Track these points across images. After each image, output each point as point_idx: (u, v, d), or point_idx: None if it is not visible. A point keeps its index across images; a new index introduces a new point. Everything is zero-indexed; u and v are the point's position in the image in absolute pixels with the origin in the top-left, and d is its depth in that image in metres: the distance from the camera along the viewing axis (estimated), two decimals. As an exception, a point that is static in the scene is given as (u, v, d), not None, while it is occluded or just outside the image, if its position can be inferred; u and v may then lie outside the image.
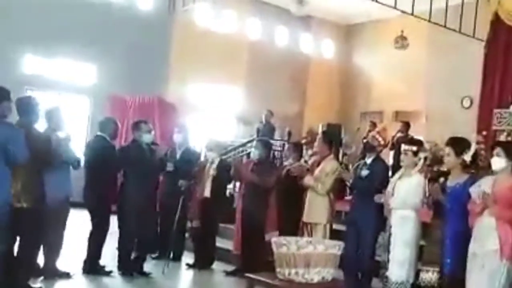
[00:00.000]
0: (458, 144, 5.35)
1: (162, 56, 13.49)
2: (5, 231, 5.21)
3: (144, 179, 6.84)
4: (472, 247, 4.89)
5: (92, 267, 6.87)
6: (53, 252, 6.47)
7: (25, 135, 5.33)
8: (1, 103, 5.22)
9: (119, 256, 6.96)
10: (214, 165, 7.79)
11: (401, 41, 13.88)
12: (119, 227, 6.95)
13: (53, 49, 12.20)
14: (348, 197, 8.05)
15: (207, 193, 7.70)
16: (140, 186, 6.77)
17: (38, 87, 12.15)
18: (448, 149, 5.34)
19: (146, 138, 7.03)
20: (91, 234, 6.92)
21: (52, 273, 6.45)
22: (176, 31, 14.00)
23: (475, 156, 5.38)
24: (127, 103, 12.34)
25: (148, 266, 7.19)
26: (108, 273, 6.88)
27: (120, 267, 6.93)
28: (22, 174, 5.41)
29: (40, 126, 6.02)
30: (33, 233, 5.66)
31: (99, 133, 7.13)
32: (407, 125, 12.66)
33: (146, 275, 7.00)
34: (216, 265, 7.86)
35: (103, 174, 6.82)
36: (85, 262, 6.91)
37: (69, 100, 12.42)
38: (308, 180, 6.65)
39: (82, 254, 6.97)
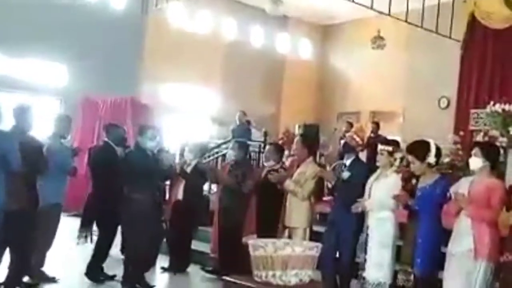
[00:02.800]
0: (418, 149, 5.41)
1: (135, 56, 13.29)
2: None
3: (149, 188, 6.42)
4: (450, 247, 4.96)
5: (95, 274, 6.80)
6: (40, 256, 6.48)
7: (19, 141, 5.52)
8: None
9: (125, 268, 6.57)
10: (190, 167, 7.67)
11: (378, 41, 13.88)
12: (125, 238, 6.69)
13: (22, 48, 11.84)
14: (326, 198, 7.95)
15: (180, 195, 7.59)
16: (146, 196, 6.34)
17: (5, 88, 11.74)
18: (410, 157, 5.39)
19: (150, 144, 6.55)
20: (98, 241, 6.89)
21: (38, 277, 6.42)
22: (149, 31, 13.81)
23: (438, 154, 5.41)
24: (99, 104, 12.17)
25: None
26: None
27: (125, 279, 6.54)
28: (13, 179, 5.51)
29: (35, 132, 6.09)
30: (22, 235, 5.75)
31: (105, 139, 7.00)
32: (377, 126, 12.73)
33: (150, 287, 6.64)
34: (192, 268, 7.75)
35: (109, 183, 6.62)
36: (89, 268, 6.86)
37: (39, 102, 12.02)
38: (288, 185, 6.54)
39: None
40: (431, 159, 5.31)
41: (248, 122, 13.24)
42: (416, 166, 5.37)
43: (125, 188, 6.40)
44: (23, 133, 5.84)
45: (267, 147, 7.99)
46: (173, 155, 7.46)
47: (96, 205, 6.86)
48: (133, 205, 6.30)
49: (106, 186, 6.68)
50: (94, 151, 7.16)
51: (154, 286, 6.66)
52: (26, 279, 6.20)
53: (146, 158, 6.47)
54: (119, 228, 6.87)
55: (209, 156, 11.40)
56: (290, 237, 6.42)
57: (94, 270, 6.82)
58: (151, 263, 6.86)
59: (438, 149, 5.43)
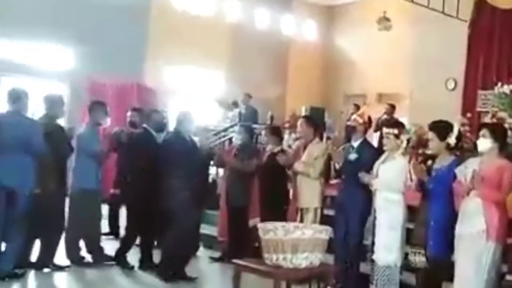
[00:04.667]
0: (441, 128, 5.37)
1: (140, 39, 13.12)
2: None
3: (191, 175, 6.27)
4: (459, 228, 4.91)
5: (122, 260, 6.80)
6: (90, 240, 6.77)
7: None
8: None
9: (162, 257, 6.46)
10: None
11: (384, 22, 13.73)
12: (167, 227, 6.49)
13: (26, 32, 11.62)
14: (333, 181, 7.92)
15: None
16: (187, 183, 6.21)
17: (10, 73, 11.61)
18: (431, 134, 5.37)
19: (190, 128, 6.52)
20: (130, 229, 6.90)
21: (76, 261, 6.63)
22: (154, 14, 13.65)
23: (459, 137, 5.39)
24: (106, 87, 12.10)
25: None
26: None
27: (162, 269, 6.42)
28: (39, 163, 5.80)
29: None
30: (49, 217, 6.12)
31: (144, 125, 6.91)
32: (392, 108, 12.63)
33: (192, 279, 6.39)
34: (202, 252, 7.78)
35: (148, 170, 6.49)
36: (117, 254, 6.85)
37: (45, 86, 11.70)
38: (297, 166, 6.55)
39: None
40: (452, 140, 5.28)
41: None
42: (434, 144, 5.33)
43: (165, 176, 6.28)
44: (52, 121, 6.15)
45: (263, 131, 7.96)
46: (209, 138, 7.41)
47: (131, 193, 6.80)
48: (175, 193, 6.21)
49: (143, 173, 6.52)
50: (133, 137, 6.99)
51: (196, 277, 6.47)
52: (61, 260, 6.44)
53: (186, 143, 6.42)
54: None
55: (216, 140, 11.40)
56: (302, 219, 6.43)
57: (120, 257, 6.80)
58: (191, 254, 6.75)
59: (459, 133, 5.45)
